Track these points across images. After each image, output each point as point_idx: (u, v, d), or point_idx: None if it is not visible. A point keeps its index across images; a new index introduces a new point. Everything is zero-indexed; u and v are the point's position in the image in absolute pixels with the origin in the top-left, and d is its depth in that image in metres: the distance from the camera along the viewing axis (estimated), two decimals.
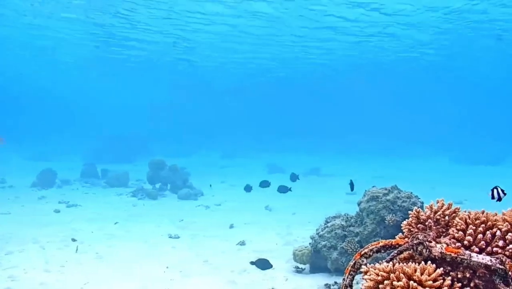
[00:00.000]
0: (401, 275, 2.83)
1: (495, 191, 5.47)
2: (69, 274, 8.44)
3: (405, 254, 3.21)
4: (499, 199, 5.47)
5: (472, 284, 2.90)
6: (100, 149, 30.59)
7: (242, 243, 11.10)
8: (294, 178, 14.58)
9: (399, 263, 3.06)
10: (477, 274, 2.90)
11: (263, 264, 8.73)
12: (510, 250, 2.88)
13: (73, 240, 10.97)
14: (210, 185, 16.99)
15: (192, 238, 11.72)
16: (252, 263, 8.93)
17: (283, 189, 13.47)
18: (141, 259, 9.57)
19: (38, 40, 28.65)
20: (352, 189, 9.28)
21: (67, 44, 29.11)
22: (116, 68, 38.71)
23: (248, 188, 13.91)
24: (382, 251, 3.34)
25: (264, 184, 13.68)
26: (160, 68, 39.43)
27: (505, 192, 5.51)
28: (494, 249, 2.96)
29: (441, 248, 3.02)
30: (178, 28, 25.20)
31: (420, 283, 2.78)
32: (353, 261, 3.27)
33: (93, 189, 19.84)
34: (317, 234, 8.58)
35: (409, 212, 3.55)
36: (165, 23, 24.16)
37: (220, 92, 53.75)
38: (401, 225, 3.54)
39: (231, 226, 13.13)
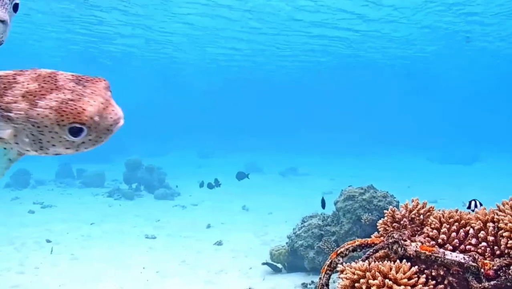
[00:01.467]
0: (377, 273, 2.85)
1: (472, 203, 5.59)
2: (44, 276, 8.33)
3: (381, 252, 3.24)
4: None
5: (446, 282, 2.94)
6: None
7: (219, 243, 11.09)
8: (242, 176, 14.62)
9: (374, 261, 3.09)
10: (451, 272, 2.94)
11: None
12: (482, 248, 2.93)
13: (48, 241, 10.83)
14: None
15: (168, 238, 11.66)
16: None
17: (240, 176, 13.58)
18: (117, 260, 9.49)
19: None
20: (323, 206, 9.23)
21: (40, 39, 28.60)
22: (91, 65, 38.23)
23: (241, 176, 13.97)
24: (358, 250, 3.37)
25: (241, 176, 13.77)
26: (135, 67, 39.12)
27: (482, 204, 5.65)
28: (467, 247, 3.00)
29: (416, 247, 3.06)
30: (150, 26, 25.02)
31: (395, 281, 2.81)
32: (330, 260, 3.29)
33: (68, 189, 19.59)
34: (294, 233, 8.61)
35: (385, 211, 3.58)
36: (138, 20, 23.92)
37: (196, 91, 53.60)
38: (377, 224, 3.58)
39: (208, 226, 13.10)
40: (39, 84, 1.81)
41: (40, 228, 12.15)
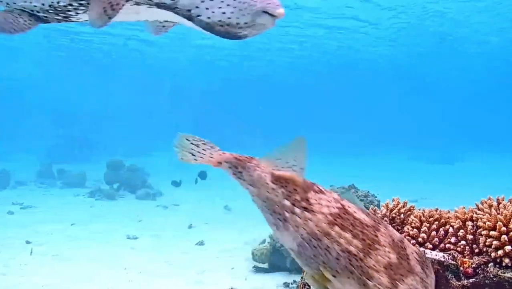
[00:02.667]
0: None
1: None
2: (25, 277, 8.23)
3: None
4: None
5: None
6: (56, 148, 29.90)
7: (201, 243, 11.06)
8: (203, 176, 14.58)
9: None
10: None
11: None
12: (461, 246, 2.96)
13: (27, 242, 10.70)
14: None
15: (151, 239, 11.60)
16: None
17: (202, 175, 13.53)
18: (99, 261, 9.41)
19: None
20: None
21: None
22: (71, 64, 37.85)
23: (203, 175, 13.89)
24: None
25: (202, 175, 13.72)
26: (115, 66, 38.84)
27: None
28: (447, 245, 3.04)
29: None
30: (131, 26, 24.89)
31: None
32: None
33: (49, 189, 19.37)
34: None
35: None
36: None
37: (178, 90, 53.35)
38: None
39: (190, 226, 13.06)
40: (398, 257, 1.74)
41: (20, 229, 11.98)
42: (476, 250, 2.90)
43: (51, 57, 34.73)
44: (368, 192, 8.32)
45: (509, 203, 3.00)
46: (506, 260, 2.73)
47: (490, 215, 2.88)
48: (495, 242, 2.76)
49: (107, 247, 10.64)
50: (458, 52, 31.07)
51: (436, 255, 2.99)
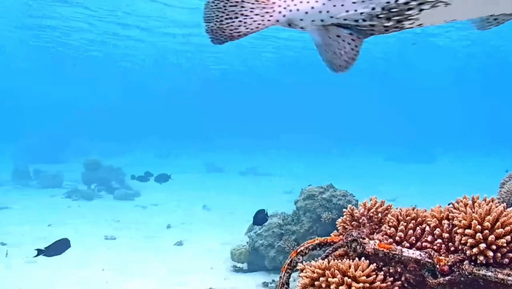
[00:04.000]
0: (336, 271, 2.89)
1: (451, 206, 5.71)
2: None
3: (340, 251, 3.28)
4: None
5: (403, 278, 3.00)
6: (32, 148, 29.44)
7: (180, 243, 11.02)
8: (166, 178, 14.56)
9: (334, 260, 3.13)
10: (408, 268, 3.01)
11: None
12: (437, 244, 3.00)
13: (2, 244, 10.54)
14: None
15: (128, 239, 11.52)
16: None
17: (161, 179, 13.48)
18: (76, 262, 9.31)
19: None
20: (255, 222, 8.51)
21: None
22: (47, 62, 37.40)
23: (163, 178, 13.81)
24: (318, 248, 3.40)
25: (161, 179, 13.65)
26: (92, 65, 38.51)
27: None
28: (424, 244, 3.07)
29: (374, 244, 3.11)
30: (106, 22, 24.72)
31: (354, 278, 2.86)
32: (290, 259, 3.31)
33: (25, 190, 19.07)
34: (255, 232, 8.63)
35: (344, 210, 3.63)
36: (93, 17, 23.58)
37: (153, 91, 53.19)
38: (336, 222, 3.62)
39: (168, 226, 13.00)
40: None
41: None
42: (452, 248, 2.95)
43: (27, 54, 34.22)
44: (346, 191, 8.39)
45: (483, 202, 3.05)
46: (481, 258, 2.78)
47: (466, 213, 2.92)
48: (470, 240, 2.80)
49: (84, 248, 10.54)
50: (429, 51, 31.43)
51: (413, 253, 3.02)
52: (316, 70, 38.46)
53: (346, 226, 3.44)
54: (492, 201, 3.05)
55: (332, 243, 3.31)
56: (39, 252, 7.15)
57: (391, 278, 2.99)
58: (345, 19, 2.20)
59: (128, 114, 57.80)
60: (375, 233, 3.33)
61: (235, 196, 17.98)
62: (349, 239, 3.18)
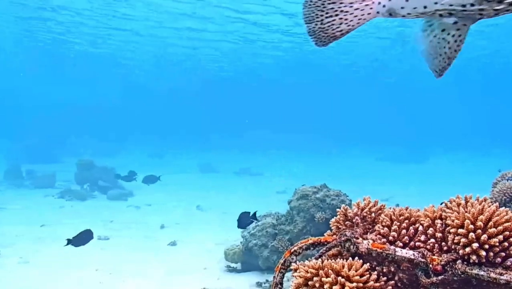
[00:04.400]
0: (330, 271, 2.90)
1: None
2: None
3: (334, 250, 3.28)
4: None
5: (396, 278, 3.01)
6: (24, 148, 29.32)
7: (173, 244, 11.01)
8: (154, 179, 14.49)
9: (327, 259, 3.13)
10: (401, 268, 3.02)
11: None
12: (431, 244, 3.01)
13: None
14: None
15: (122, 239, 11.49)
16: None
17: (149, 180, 13.43)
18: (69, 262, 9.28)
19: None
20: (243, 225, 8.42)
21: None
22: (40, 61, 37.27)
23: (151, 179, 13.76)
24: (312, 248, 3.41)
25: (149, 180, 13.59)
26: (82, 65, 38.42)
27: None
28: (417, 243, 3.08)
29: (368, 244, 3.12)
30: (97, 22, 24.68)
31: (347, 278, 2.86)
32: (283, 259, 3.32)
33: (18, 190, 18.98)
34: (248, 232, 8.63)
35: (338, 209, 3.63)
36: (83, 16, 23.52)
37: (147, 90, 53.12)
38: (330, 222, 3.62)
39: (162, 226, 12.98)
40: None
41: None
42: (445, 248, 2.96)
43: (22, 53, 34.07)
44: (340, 191, 8.40)
45: (476, 201, 3.06)
46: (473, 257, 2.79)
47: (459, 213, 2.93)
48: (463, 240, 2.81)
49: (77, 248, 10.49)
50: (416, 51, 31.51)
51: (406, 253, 3.03)
52: (306, 70, 38.66)
53: (340, 226, 3.44)
54: (485, 200, 3.06)
55: (325, 243, 3.31)
56: (68, 241, 7.72)
57: (385, 278, 2.99)
58: (450, 5, 2.10)
59: (122, 114, 57.70)
60: (368, 233, 3.34)
61: (229, 196, 17.99)
62: (343, 238, 3.19)
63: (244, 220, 7.98)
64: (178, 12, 22.10)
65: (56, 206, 15.93)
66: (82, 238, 7.93)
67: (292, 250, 3.31)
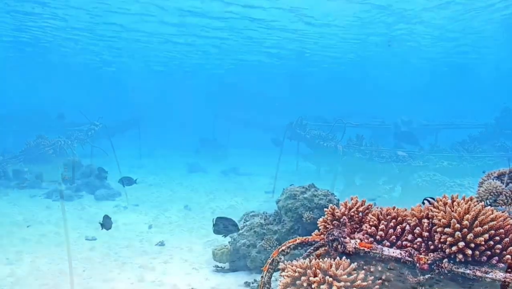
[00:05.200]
0: (317, 270, 2.91)
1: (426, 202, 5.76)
2: None
3: (321, 250, 3.30)
4: None
5: (383, 277, 3.03)
6: (10, 148, 29.02)
7: (161, 244, 10.97)
8: (130, 181, 14.43)
9: (315, 259, 3.14)
10: (388, 267, 3.04)
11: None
12: (418, 243, 3.03)
13: None
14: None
15: (109, 239, 11.42)
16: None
17: (125, 182, 13.38)
18: (56, 262, 9.22)
19: None
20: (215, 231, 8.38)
21: None
22: (27, 64, 37.02)
23: (129, 181, 13.69)
24: (300, 248, 3.42)
25: (127, 181, 13.53)
26: (71, 66, 38.29)
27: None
28: (404, 242, 3.10)
29: (355, 244, 3.13)
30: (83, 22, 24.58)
31: (335, 277, 2.87)
32: (271, 259, 3.32)
33: (4, 191, 18.81)
34: (237, 232, 8.63)
35: (325, 209, 3.65)
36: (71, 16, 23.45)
37: (132, 89, 52.97)
38: (318, 222, 3.64)
39: (150, 227, 12.93)
40: None
41: None
42: (432, 247, 2.98)
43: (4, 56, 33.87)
44: (328, 191, 8.43)
45: (462, 201, 3.09)
46: (460, 256, 2.81)
47: (445, 212, 2.96)
48: (449, 239, 2.84)
49: (64, 248, 10.44)
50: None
51: (393, 252, 3.06)
52: (300, 72, 38.66)
53: (327, 225, 3.46)
54: (471, 200, 3.09)
55: (313, 243, 3.33)
56: (102, 226, 9.00)
57: (372, 277, 3.01)
58: None
59: (109, 114, 57.26)
60: (356, 232, 3.35)
61: (216, 196, 17.97)
62: (330, 238, 3.20)
63: (217, 228, 7.93)
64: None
65: (42, 206, 15.80)
66: (108, 223, 9.10)
67: (280, 250, 3.32)
